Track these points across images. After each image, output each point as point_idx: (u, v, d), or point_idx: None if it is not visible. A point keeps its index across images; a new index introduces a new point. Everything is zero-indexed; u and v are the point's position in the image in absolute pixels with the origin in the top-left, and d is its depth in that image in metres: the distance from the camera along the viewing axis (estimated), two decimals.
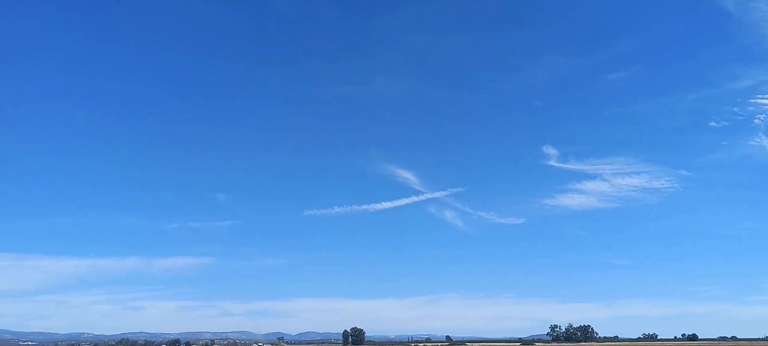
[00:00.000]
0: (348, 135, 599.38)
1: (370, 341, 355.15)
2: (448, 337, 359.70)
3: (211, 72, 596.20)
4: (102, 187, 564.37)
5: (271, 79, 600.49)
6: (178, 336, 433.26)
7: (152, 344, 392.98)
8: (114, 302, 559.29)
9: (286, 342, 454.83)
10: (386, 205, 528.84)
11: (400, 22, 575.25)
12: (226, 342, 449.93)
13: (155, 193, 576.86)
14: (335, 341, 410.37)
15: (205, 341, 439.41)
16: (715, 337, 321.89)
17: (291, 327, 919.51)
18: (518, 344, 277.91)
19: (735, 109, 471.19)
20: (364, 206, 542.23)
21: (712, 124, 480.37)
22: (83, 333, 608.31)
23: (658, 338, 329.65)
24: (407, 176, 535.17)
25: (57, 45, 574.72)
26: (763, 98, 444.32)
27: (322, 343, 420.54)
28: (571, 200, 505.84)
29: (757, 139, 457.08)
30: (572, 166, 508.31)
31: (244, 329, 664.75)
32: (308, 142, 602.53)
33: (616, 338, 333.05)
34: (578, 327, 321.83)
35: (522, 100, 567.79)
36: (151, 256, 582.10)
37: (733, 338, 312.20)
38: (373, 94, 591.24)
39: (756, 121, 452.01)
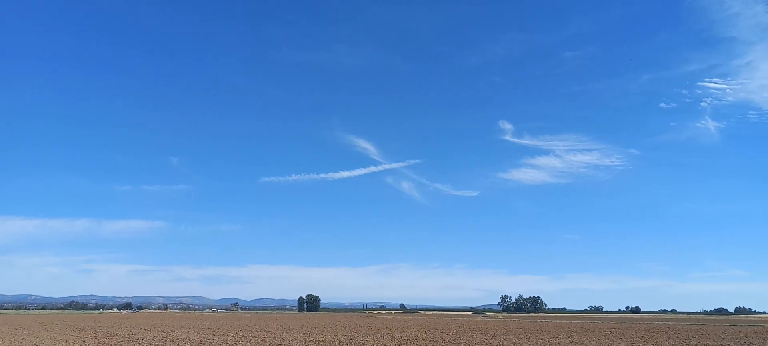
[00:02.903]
0: (307, 102, 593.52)
1: (325, 308, 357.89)
2: (402, 305, 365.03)
3: (167, 32, 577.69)
4: (51, 147, 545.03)
5: (230, 42, 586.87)
6: (130, 300, 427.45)
7: (103, 307, 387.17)
8: (63, 265, 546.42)
9: (241, 308, 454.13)
10: (344, 174, 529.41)
11: None
12: (179, 307, 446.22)
13: (107, 154, 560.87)
14: (290, 308, 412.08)
15: (157, 306, 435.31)
16: (657, 310, 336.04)
17: (246, 293, 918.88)
18: (470, 313, 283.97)
19: (684, 91, 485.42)
20: (322, 175, 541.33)
21: (662, 105, 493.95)
22: (30, 295, 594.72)
23: (603, 310, 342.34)
24: (366, 145, 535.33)
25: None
26: (710, 82, 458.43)
27: (278, 309, 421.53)
28: (524, 175, 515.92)
29: (703, 122, 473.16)
30: (526, 141, 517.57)
31: (197, 295, 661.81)
32: (267, 108, 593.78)
33: (563, 310, 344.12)
34: (528, 298, 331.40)
35: (481, 75, 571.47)
36: (102, 218, 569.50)
37: (673, 312, 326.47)
38: (334, 63, 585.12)
39: (703, 104, 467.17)
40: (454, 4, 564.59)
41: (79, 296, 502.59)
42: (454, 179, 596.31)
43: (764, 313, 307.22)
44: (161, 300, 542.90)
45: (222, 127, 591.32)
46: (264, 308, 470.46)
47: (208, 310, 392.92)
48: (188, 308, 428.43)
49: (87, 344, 56.59)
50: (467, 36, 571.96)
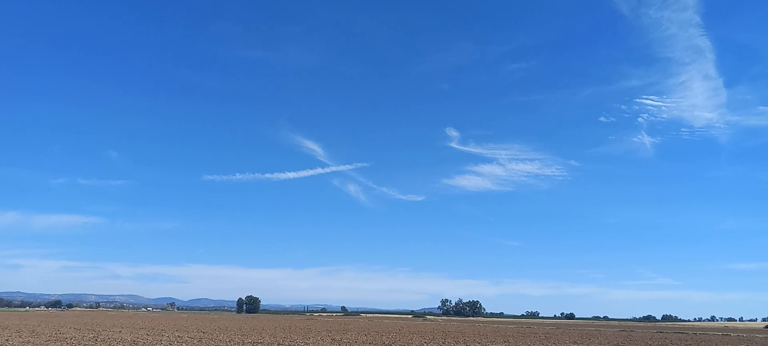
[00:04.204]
0: (255, 101, 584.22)
1: (265, 310, 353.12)
2: (343, 308, 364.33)
3: (112, 26, 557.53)
4: None
5: (177, 38, 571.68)
6: (60, 297, 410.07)
7: (30, 304, 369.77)
8: None
9: (178, 308, 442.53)
10: (290, 175, 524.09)
11: None
12: (112, 306, 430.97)
13: (41, 146, 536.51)
14: (229, 309, 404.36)
15: (89, 304, 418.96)
16: (590, 316, 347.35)
17: (183, 293, 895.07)
18: (410, 316, 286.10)
19: (623, 106, 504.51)
20: (267, 175, 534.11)
21: (602, 119, 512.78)
22: None
23: (540, 315, 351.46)
24: (313, 147, 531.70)
25: None
26: (647, 99, 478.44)
27: (216, 310, 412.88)
28: (468, 182, 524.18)
29: (640, 137, 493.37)
30: (471, 149, 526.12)
31: (132, 293, 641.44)
32: (212, 105, 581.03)
33: (501, 315, 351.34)
34: (467, 302, 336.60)
35: (429, 82, 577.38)
36: (33, 212, 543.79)
37: (606, 318, 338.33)
38: (283, 63, 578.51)
39: (640, 119, 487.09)
40: (406, 11, 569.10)
41: (4, 292, 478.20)
42: (400, 184, 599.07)
43: (688, 321, 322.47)
44: (93, 298, 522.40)
45: (164, 123, 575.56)
46: (201, 309, 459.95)
47: (143, 309, 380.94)
48: (122, 307, 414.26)
49: (11, 342, 53.95)
50: (417, 43, 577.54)
